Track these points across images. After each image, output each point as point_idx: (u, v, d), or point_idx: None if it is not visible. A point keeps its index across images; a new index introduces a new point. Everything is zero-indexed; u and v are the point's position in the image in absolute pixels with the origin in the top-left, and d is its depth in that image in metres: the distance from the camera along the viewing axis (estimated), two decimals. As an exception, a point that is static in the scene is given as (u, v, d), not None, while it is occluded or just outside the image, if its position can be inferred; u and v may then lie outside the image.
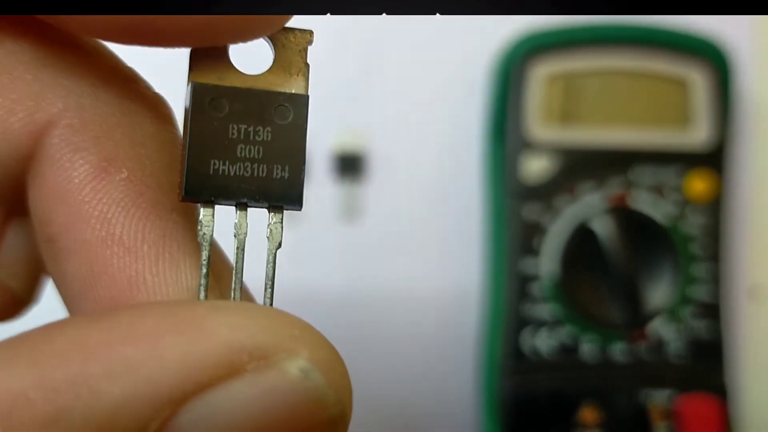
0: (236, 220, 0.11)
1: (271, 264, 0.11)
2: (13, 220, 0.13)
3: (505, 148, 0.28)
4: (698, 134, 0.28)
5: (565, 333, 0.28)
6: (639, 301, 0.28)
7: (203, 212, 0.10)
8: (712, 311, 0.28)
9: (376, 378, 0.31)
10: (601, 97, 0.28)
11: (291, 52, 0.11)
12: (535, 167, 0.28)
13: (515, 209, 0.28)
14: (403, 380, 0.31)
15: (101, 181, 0.10)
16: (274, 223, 0.11)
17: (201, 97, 0.10)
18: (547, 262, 0.28)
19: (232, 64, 0.11)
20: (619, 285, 0.28)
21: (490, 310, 0.29)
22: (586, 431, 0.27)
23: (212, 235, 0.10)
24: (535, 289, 0.28)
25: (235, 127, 0.10)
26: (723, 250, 0.29)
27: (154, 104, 0.12)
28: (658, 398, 0.28)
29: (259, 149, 0.11)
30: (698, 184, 0.28)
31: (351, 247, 0.31)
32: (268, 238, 0.11)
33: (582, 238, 0.28)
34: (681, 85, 0.28)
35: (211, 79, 0.11)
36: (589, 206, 0.28)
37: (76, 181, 0.10)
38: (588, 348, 0.28)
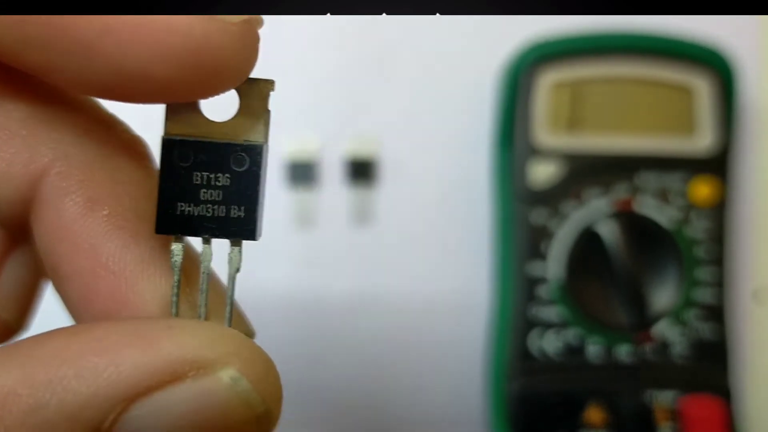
0: (201, 250, 0.13)
1: (231, 285, 0.13)
2: (12, 253, 0.15)
3: (513, 155, 0.29)
4: (702, 140, 0.29)
5: (571, 335, 0.28)
6: (644, 304, 0.28)
7: (174, 245, 0.13)
8: (717, 314, 0.29)
9: (385, 379, 0.32)
10: (607, 104, 0.29)
11: (254, 100, 0.13)
12: (543, 173, 0.29)
13: (523, 214, 0.29)
14: (413, 381, 0.32)
15: (87, 219, 0.13)
16: (233, 251, 0.13)
17: (170, 150, 0.13)
18: (554, 265, 0.28)
19: (202, 114, 0.13)
20: (624, 288, 0.28)
21: (498, 312, 0.30)
22: (592, 431, 0.28)
23: (182, 261, 0.13)
24: (542, 291, 0.28)
25: (199, 174, 0.13)
26: (727, 254, 0.29)
27: (131, 145, 0.14)
28: (662, 399, 0.28)
29: (219, 193, 0.13)
30: (702, 190, 0.29)
31: (362, 251, 0.32)
32: (228, 263, 0.13)
33: (588, 241, 0.28)
34: (686, 93, 0.29)
35: (183, 127, 0.13)
36: (595, 211, 0.29)
37: (67, 220, 0.12)
38: (594, 349, 0.28)
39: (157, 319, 0.12)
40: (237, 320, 0.14)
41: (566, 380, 0.28)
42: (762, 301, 0.32)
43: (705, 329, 0.29)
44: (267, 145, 0.13)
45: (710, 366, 0.29)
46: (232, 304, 0.13)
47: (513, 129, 0.29)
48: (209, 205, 0.13)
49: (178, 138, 0.13)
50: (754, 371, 0.32)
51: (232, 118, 0.13)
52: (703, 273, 0.29)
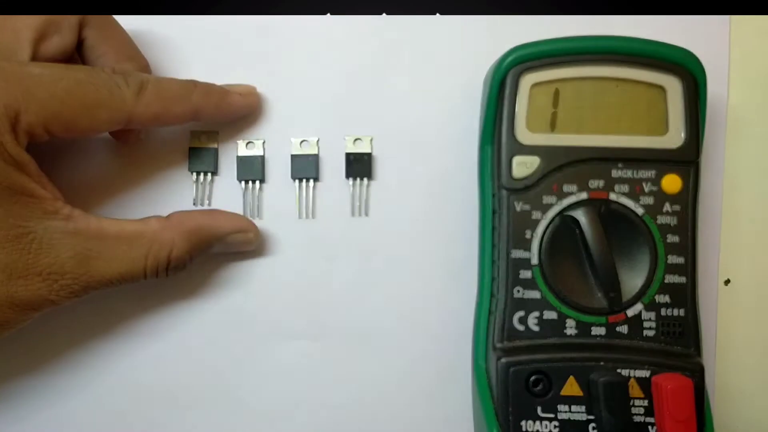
0: None
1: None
2: None
3: (499, 150, 0.31)
4: (674, 137, 0.31)
5: (551, 315, 0.31)
6: (619, 287, 0.30)
7: None
8: (687, 297, 0.31)
9: (378, 357, 0.34)
10: (585, 104, 0.31)
11: None
12: (525, 167, 0.31)
13: (508, 204, 0.31)
14: (404, 359, 0.34)
15: None
16: None
17: None
18: (536, 250, 0.31)
19: None
20: (600, 272, 0.30)
21: (485, 294, 0.32)
22: (572, 405, 0.30)
23: None
24: (525, 275, 0.31)
25: None
26: (697, 242, 0.31)
27: None
28: (636, 377, 0.30)
29: None
30: (675, 182, 0.31)
31: (359, 239, 0.34)
32: None
33: (567, 229, 0.31)
34: (658, 92, 0.31)
35: None
36: (573, 201, 0.31)
37: None
38: (572, 329, 0.31)
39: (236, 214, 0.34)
40: None
41: (546, 357, 0.30)
42: (729, 287, 0.34)
43: (676, 311, 0.31)
44: None
45: (681, 346, 0.31)
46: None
47: (498, 127, 0.31)
48: None
49: None
50: (723, 352, 0.34)
51: None
52: (675, 259, 0.31)
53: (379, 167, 0.35)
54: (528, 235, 0.31)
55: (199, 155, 0.34)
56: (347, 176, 0.34)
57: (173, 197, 0.34)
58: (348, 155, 0.34)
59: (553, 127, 0.31)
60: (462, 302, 0.34)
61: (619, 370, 0.30)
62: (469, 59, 0.34)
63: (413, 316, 0.34)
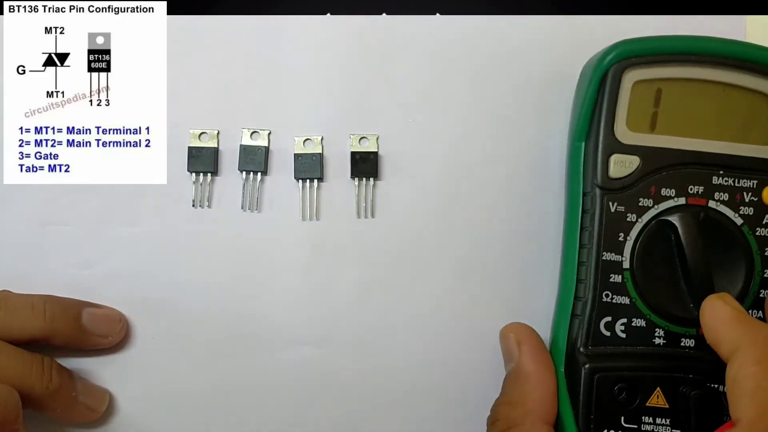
0: None
1: None
2: None
3: (596, 148, 0.30)
4: (778, 147, 0.30)
5: (641, 322, 0.29)
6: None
7: None
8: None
9: (384, 361, 0.33)
10: (688, 106, 0.30)
11: None
12: (623, 167, 0.30)
13: (601, 204, 0.30)
14: (409, 361, 0.33)
15: None
16: None
17: None
18: (629, 254, 0.30)
19: None
20: (694, 280, 0.29)
21: (566, 296, 0.31)
22: (657, 417, 0.29)
23: None
24: (616, 279, 0.30)
25: None
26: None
27: None
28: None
29: None
30: (777, 194, 0.30)
31: (365, 241, 0.33)
32: None
33: (662, 234, 0.30)
34: (764, 101, 0.30)
35: None
36: (671, 205, 0.30)
37: None
38: (662, 337, 0.29)
39: None
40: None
41: (633, 366, 0.29)
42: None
43: (769, 327, 0.30)
44: None
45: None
46: None
47: (597, 124, 0.30)
48: None
49: None
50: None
51: None
52: (771, 273, 0.30)
53: (386, 167, 0.33)
54: (621, 238, 0.30)
55: (199, 155, 0.33)
56: (352, 176, 0.33)
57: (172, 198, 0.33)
58: (353, 154, 0.33)
59: (652, 127, 0.30)
60: (470, 304, 0.33)
61: (709, 384, 0.29)
62: (474, 58, 0.34)
63: (420, 320, 0.33)
